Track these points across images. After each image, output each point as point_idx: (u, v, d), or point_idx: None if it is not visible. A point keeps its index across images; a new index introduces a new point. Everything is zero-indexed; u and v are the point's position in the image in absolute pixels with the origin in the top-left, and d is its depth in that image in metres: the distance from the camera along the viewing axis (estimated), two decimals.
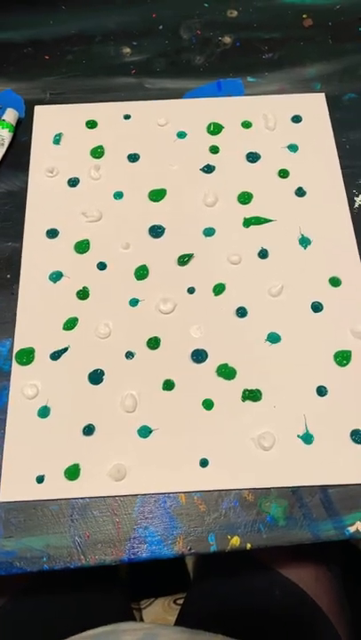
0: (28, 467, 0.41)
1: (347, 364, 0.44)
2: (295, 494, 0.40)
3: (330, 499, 0.40)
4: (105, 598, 0.52)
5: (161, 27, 0.61)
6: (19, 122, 0.55)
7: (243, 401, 0.43)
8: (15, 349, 0.45)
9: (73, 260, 0.48)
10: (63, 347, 0.45)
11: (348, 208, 0.50)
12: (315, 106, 0.55)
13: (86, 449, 0.41)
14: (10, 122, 0.54)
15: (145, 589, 0.67)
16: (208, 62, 0.59)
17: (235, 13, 0.62)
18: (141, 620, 0.61)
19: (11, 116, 0.54)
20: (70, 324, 0.46)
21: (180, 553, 0.39)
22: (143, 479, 0.40)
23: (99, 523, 0.40)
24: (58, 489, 0.40)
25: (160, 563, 0.39)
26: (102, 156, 0.53)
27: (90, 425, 0.42)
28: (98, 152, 0.53)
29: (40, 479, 0.41)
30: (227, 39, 0.60)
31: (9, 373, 0.44)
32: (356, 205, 0.51)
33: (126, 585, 0.58)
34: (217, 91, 0.57)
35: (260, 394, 0.43)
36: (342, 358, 0.44)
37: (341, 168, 0.52)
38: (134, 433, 0.42)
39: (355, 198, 0.51)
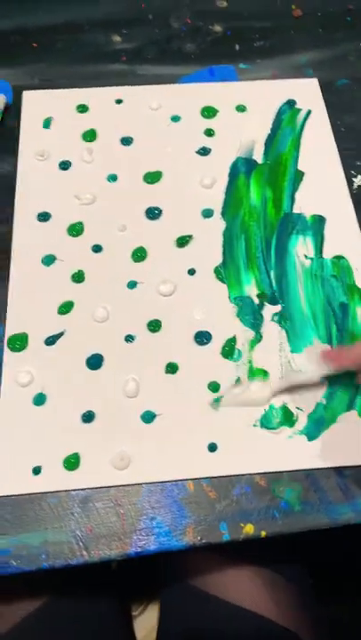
0: (23, 458, 0.38)
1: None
2: (309, 478, 0.38)
3: (346, 481, 0.38)
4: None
5: (150, 16, 0.61)
6: (6, 107, 0.53)
7: (250, 380, 0.41)
8: (7, 335, 0.42)
9: (66, 243, 0.46)
10: (59, 331, 0.42)
11: (347, 189, 0.50)
12: (308, 90, 0.55)
13: (86, 437, 0.39)
14: None
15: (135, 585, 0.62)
16: (199, 50, 0.59)
17: (225, 4, 0.62)
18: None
19: None
20: (65, 307, 0.43)
21: (190, 544, 0.36)
22: (148, 467, 0.38)
23: (101, 515, 0.37)
24: (56, 480, 0.38)
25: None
26: (94, 140, 0.52)
27: (89, 412, 0.40)
28: (90, 135, 0.52)
29: (37, 470, 0.38)
30: (217, 28, 0.60)
31: (0, 360, 0.41)
32: (356, 186, 0.50)
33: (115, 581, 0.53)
34: (210, 77, 0.56)
35: (267, 372, 0.41)
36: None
37: (338, 151, 0.52)
38: (137, 418, 0.40)
39: (353, 179, 0.51)
